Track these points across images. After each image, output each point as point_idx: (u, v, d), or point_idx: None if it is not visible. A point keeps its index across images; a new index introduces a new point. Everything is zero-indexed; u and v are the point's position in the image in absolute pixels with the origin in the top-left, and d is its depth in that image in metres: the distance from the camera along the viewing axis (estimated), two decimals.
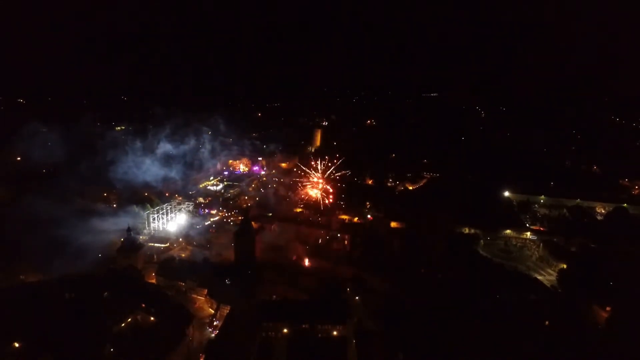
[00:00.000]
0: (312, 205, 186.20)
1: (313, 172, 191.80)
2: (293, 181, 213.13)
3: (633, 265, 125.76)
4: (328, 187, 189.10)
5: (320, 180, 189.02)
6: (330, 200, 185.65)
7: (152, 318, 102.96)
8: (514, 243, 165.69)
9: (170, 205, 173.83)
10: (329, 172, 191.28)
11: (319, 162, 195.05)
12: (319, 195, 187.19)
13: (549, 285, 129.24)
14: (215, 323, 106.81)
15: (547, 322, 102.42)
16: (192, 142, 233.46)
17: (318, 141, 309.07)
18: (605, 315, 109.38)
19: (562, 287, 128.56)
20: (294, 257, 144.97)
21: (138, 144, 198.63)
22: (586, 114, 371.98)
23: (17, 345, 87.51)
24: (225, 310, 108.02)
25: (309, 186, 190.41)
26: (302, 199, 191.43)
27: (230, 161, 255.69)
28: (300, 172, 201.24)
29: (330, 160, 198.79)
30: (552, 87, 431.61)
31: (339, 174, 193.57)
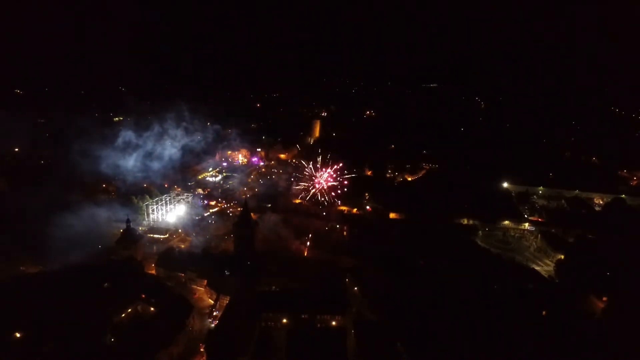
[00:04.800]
0: (311, 196, 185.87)
1: (312, 168, 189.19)
2: (292, 172, 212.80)
3: (630, 256, 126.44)
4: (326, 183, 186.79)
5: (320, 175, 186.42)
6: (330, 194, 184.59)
7: (152, 308, 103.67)
8: (512, 234, 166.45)
9: (169, 196, 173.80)
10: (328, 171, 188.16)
11: (318, 158, 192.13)
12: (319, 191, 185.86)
13: (546, 276, 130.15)
14: (215, 313, 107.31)
15: (544, 312, 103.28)
16: (189, 133, 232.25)
17: (317, 132, 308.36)
18: (601, 305, 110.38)
19: (560, 278, 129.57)
20: (293, 248, 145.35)
21: (136, 135, 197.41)
22: (586, 106, 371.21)
23: (18, 335, 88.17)
24: (225, 300, 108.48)
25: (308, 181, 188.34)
26: (301, 191, 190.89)
27: (229, 152, 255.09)
28: (299, 164, 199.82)
29: (329, 153, 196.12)
30: (552, 79, 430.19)
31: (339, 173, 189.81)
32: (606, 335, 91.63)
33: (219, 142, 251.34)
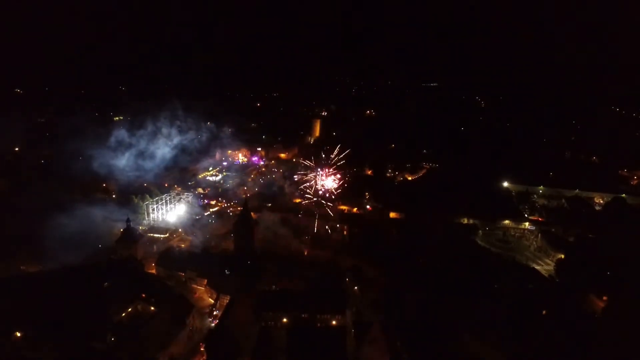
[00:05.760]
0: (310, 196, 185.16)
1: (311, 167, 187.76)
2: (292, 172, 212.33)
3: (630, 256, 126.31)
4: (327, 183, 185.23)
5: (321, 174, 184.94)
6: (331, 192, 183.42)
7: (152, 308, 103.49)
8: (513, 233, 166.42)
9: (169, 196, 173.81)
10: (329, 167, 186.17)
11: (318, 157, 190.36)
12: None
13: (546, 275, 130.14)
14: (215, 313, 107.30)
15: (544, 312, 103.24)
16: (188, 133, 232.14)
17: (317, 131, 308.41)
18: (601, 304, 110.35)
19: (560, 277, 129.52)
20: (293, 247, 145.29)
21: (134, 135, 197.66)
22: (586, 104, 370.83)
23: (18, 334, 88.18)
24: (225, 300, 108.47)
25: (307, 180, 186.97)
26: (301, 190, 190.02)
27: (229, 151, 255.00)
28: (300, 164, 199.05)
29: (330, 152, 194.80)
30: (552, 78, 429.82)
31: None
32: (606, 335, 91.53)
33: (219, 142, 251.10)
